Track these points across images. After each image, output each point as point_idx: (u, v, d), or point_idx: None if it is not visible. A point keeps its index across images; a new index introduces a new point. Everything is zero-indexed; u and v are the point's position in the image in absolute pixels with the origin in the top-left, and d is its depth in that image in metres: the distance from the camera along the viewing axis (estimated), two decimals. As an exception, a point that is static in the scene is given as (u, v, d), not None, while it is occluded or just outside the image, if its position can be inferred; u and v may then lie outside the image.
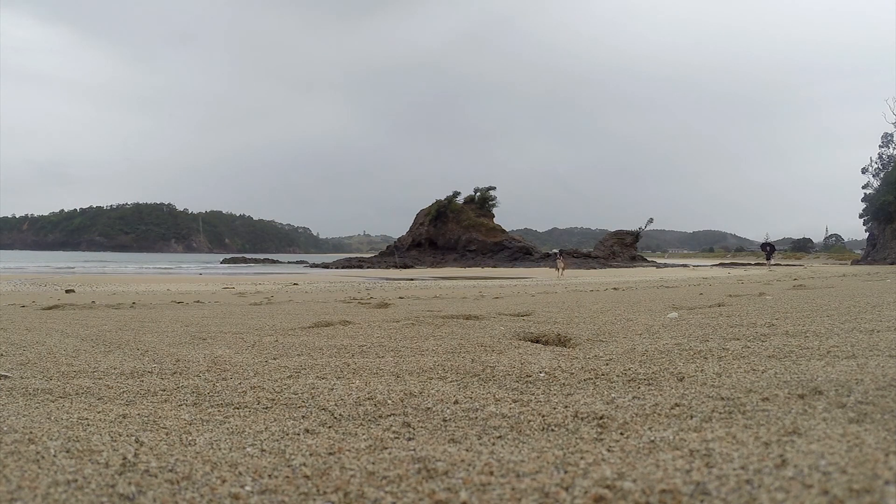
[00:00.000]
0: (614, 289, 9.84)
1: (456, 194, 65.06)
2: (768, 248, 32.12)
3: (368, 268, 47.26)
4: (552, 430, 1.46)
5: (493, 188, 65.53)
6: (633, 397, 1.71)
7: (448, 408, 1.69)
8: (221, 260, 74.50)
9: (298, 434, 1.48)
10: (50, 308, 6.53)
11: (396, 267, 47.39)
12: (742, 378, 1.86)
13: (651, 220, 63.11)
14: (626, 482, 1.06)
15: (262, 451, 1.35)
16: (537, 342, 3.11)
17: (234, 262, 65.13)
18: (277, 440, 1.43)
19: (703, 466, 1.10)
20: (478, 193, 65.06)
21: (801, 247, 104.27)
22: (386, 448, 1.35)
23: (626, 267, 46.38)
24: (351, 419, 1.63)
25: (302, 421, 1.62)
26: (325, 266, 50.93)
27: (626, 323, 3.72)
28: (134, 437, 1.41)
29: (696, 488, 1.01)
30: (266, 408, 1.77)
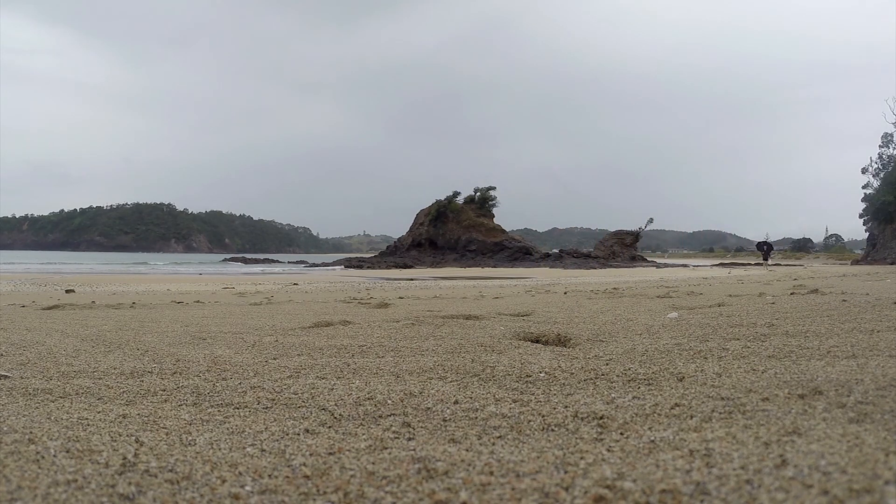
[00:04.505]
0: (614, 288, 9.84)
1: (456, 194, 65.07)
2: (766, 248, 31.37)
3: (368, 268, 47.25)
4: (552, 430, 1.46)
5: (493, 188, 65.57)
6: (633, 397, 1.71)
7: (448, 408, 1.69)
8: (221, 260, 74.51)
9: (298, 434, 1.48)
10: (50, 308, 6.53)
11: (397, 266, 47.42)
12: (742, 378, 1.87)
13: (651, 220, 63.08)
14: (626, 482, 1.06)
15: (262, 451, 1.35)
16: (537, 342, 3.11)
17: (234, 262, 65.15)
18: (277, 440, 1.43)
19: (703, 466, 1.10)
20: (478, 193, 65.08)
21: (801, 247, 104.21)
22: (386, 448, 1.35)
23: (626, 267, 46.38)
24: (351, 419, 1.63)
25: (302, 421, 1.62)
26: (325, 266, 50.95)
27: (626, 323, 3.72)
28: (134, 437, 1.41)
29: (696, 488, 1.01)
30: (266, 408, 1.77)
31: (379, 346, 3.00)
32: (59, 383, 2.17)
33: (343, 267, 49.12)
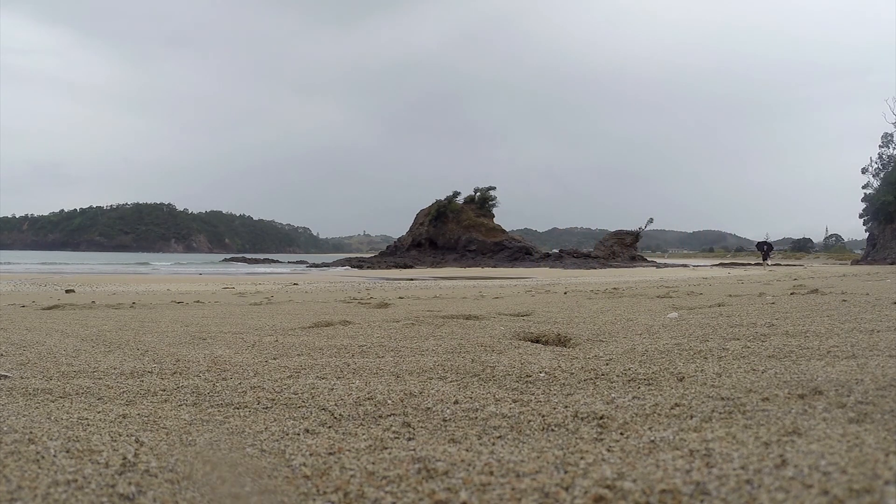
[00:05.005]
0: (614, 288, 9.84)
1: (456, 194, 65.06)
2: (765, 248, 30.97)
3: (368, 268, 47.26)
4: (552, 430, 1.46)
5: (493, 188, 65.57)
6: (633, 397, 1.71)
7: (448, 408, 1.69)
8: (221, 260, 74.52)
9: (298, 434, 1.49)
10: (50, 308, 6.53)
11: (397, 266, 47.43)
12: (742, 378, 1.87)
13: (651, 220, 63.05)
14: (626, 482, 1.06)
15: (262, 451, 1.35)
16: (537, 342, 3.11)
17: (235, 262, 65.11)
18: (277, 440, 1.43)
19: (703, 466, 1.10)
20: (478, 193, 65.08)
21: (801, 247, 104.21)
22: (386, 448, 1.35)
23: (626, 267, 46.37)
24: (351, 419, 1.63)
25: (302, 421, 1.62)
26: (326, 266, 50.94)
27: (626, 323, 3.72)
28: (134, 437, 1.42)
29: (696, 488, 1.01)
30: (266, 408, 1.78)
31: (379, 346, 3.00)
32: (59, 383, 2.17)
33: (350, 266, 49.17)
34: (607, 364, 2.25)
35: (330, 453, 1.32)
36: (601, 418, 1.51)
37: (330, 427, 1.56)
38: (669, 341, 2.76)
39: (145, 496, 1.07)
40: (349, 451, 1.33)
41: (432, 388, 1.93)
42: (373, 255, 70.96)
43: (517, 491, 1.06)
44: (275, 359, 2.70)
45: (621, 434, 1.37)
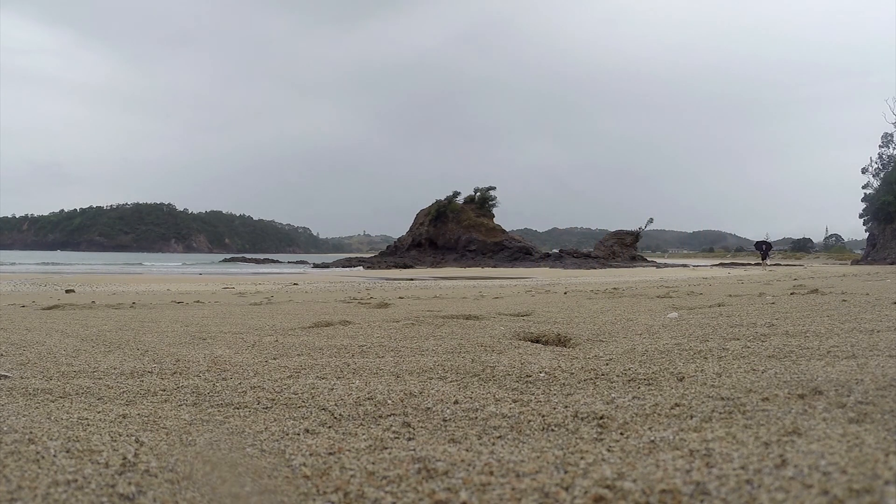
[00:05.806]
0: (614, 289, 9.84)
1: (456, 194, 65.07)
2: (764, 247, 30.69)
3: (368, 268, 47.29)
4: (552, 430, 1.46)
5: (493, 188, 65.58)
6: (633, 397, 1.71)
7: (448, 408, 1.69)
8: (221, 260, 74.52)
9: (298, 434, 1.49)
10: (50, 308, 6.53)
11: (397, 266, 47.45)
12: (742, 378, 1.87)
13: (651, 220, 63.09)
14: (626, 482, 1.06)
15: (262, 451, 1.35)
16: (537, 342, 3.11)
17: (234, 262, 65.08)
18: (277, 440, 1.43)
19: (703, 466, 1.10)
20: (478, 193, 65.09)
21: (801, 247, 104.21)
22: (386, 448, 1.35)
23: (626, 267, 46.36)
24: (351, 419, 1.63)
25: (302, 421, 1.62)
26: (325, 266, 50.94)
27: (626, 323, 3.72)
28: (134, 437, 1.41)
29: (696, 488, 1.01)
30: (266, 408, 1.78)
31: (379, 346, 3.00)
32: (59, 383, 2.17)
33: (350, 266, 49.20)
34: (607, 364, 2.25)
35: (330, 453, 1.32)
36: (601, 418, 1.51)
37: (330, 427, 1.56)
38: (669, 341, 2.76)
39: (145, 496, 1.07)
40: (349, 451, 1.33)
41: (432, 388, 1.93)
42: (373, 255, 70.95)
43: (517, 491, 1.06)
44: (275, 359, 2.70)
45: (621, 434, 1.37)
